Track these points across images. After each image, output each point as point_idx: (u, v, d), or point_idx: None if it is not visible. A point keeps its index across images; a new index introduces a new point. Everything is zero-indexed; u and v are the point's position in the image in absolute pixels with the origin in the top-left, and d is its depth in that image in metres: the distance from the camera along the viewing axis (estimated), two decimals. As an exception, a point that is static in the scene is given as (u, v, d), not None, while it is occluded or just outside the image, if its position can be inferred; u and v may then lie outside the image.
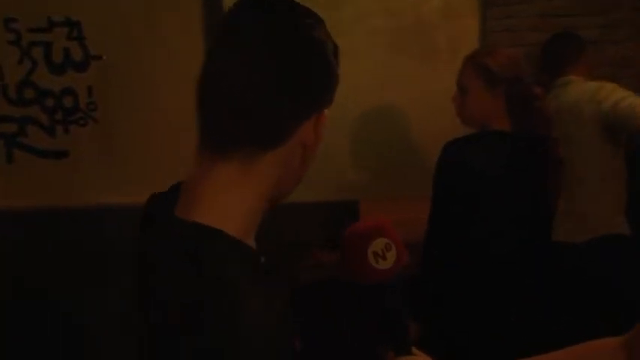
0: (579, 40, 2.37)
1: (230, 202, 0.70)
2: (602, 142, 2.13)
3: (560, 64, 2.32)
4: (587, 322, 1.89)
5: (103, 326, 2.25)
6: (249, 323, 0.60)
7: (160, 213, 0.73)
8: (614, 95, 2.06)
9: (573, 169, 2.11)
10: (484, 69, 1.83)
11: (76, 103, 2.54)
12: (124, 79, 2.53)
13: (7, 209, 2.62)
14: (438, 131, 2.14)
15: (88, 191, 2.56)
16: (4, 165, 2.63)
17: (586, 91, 2.17)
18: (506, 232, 1.81)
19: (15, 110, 2.59)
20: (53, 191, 2.58)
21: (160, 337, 0.63)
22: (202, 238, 0.67)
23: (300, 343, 0.81)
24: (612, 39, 2.52)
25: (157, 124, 2.57)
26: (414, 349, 0.97)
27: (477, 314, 1.81)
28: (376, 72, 2.56)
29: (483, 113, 1.85)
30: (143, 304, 0.70)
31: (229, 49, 0.71)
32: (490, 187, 1.80)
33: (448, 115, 2.01)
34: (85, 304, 2.41)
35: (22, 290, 2.49)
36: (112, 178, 2.56)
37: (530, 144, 1.83)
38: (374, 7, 2.54)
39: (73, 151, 2.59)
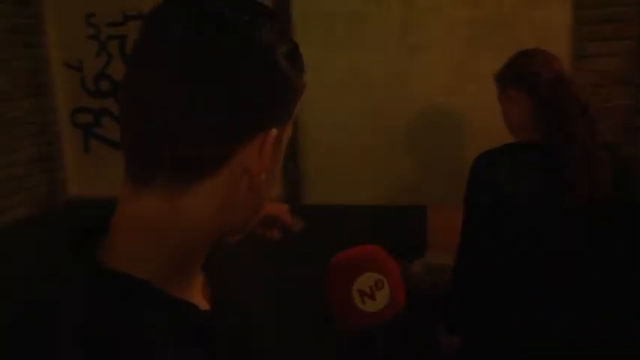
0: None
1: (152, 243, 0.58)
2: None
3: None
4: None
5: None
6: None
7: (76, 253, 0.61)
8: None
9: None
10: (516, 72, 1.63)
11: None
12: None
13: (83, 197, 2.73)
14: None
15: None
16: (81, 154, 2.73)
17: None
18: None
19: (92, 102, 2.68)
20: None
21: None
22: (111, 291, 0.56)
23: None
24: None
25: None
26: None
27: (515, 327, 1.66)
28: (453, 67, 2.35)
29: (513, 120, 1.67)
30: None
31: (147, 56, 0.58)
32: (518, 204, 1.61)
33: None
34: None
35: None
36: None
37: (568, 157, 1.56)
38: (451, -4, 2.32)
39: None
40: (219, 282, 0.72)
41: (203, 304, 0.64)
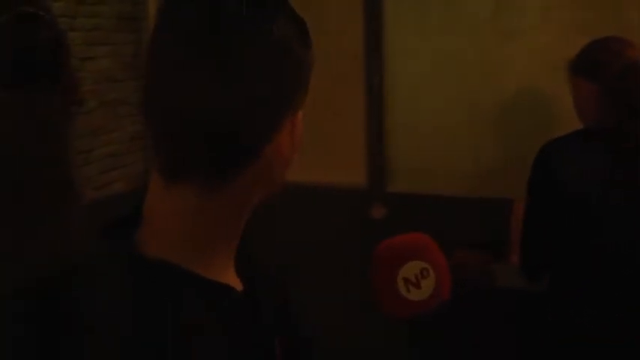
0: None
1: (187, 231, 0.60)
2: None
3: None
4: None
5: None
6: None
7: (115, 242, 0.62)
8: None
9: None
10: (580, 59, 1.63)
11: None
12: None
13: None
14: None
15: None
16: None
17: None
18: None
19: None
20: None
21: None
22: (155, 276, 0.58)
23: None
24: None
25: (313, 104, 2.55)
26: None
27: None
28: (550, 54, 2.22)
29: (582, 109, 1.65)
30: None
31: (171, 53, 0.58)
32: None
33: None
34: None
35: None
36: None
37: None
38: (550, -23, 2.20)
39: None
40: (253, 262, 0.73)
41: (238, 285, 0.66)
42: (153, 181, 0.61)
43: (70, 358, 0.54)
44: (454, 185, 2.42)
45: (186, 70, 0.56)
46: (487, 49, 2.31)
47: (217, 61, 0.56)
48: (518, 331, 1.79)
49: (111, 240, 0.61)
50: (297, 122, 0.63)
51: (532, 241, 1.67)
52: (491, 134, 2.35)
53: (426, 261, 0.81)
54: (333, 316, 2.48)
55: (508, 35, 2.27)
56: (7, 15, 1.69)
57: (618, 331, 1.52)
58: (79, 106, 1.86)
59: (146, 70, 0.60)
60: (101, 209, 2.51)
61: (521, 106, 2.30)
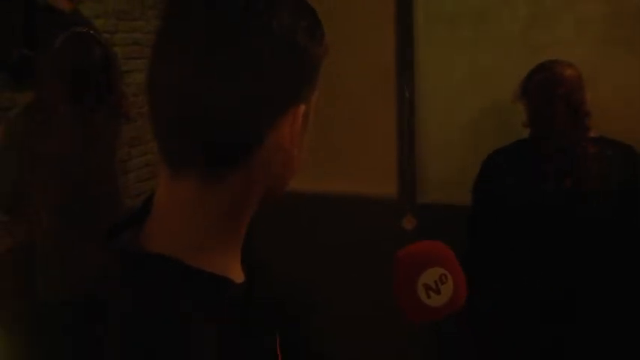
0: None
1: (189, 224, 0.60)
2: None
3: None
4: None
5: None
6: None
7: (121, 239, 0.64)
8: None
9: None
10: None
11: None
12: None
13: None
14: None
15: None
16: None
17: None
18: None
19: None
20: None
21: None
22: (155, 271, 0.58)
23: None
24: None
25: (345, 117, 2.58)
26: None
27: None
28: (586, 67, 2.21)
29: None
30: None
31: (173, 45, 0.59)
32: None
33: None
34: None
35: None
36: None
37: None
38: (584, -9, 2.20)
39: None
40: (255, 258, 0.73)
41: (240, 277, 0.65)
42: (161, 174, 0.62)
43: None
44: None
45: (182, 63, 0.57)
46: (519, 63, 2.31)
47: (212, 53, 0.56)
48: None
49: (115, 237, 0.62)
50: (297, 117, 0.61)
51: (474, 239, 1.92)
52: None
53: (444, 267, 0.83)
54: (363, 325, 2.49)
55: (539, 49, 2.27)
56: (63, 35, 1.77)
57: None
58: (127, 120, 1.93)
59: (149, 63, 0.61)
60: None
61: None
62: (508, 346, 1.84)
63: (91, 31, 1.88)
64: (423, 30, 2.43)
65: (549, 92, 1.75)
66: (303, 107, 0.61)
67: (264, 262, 0.75)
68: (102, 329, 0.57)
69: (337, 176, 2.54)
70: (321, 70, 0.64)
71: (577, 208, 1.72)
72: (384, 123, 2.49)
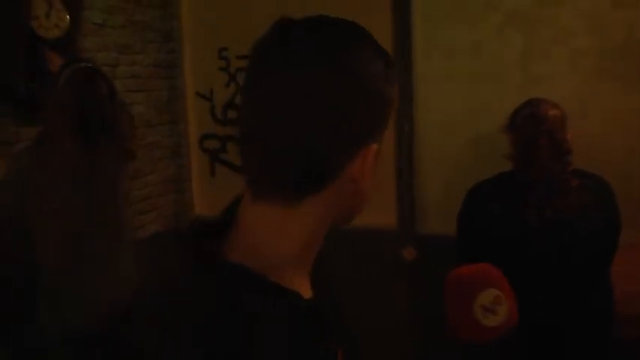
0: None
1: (267, 243, 0.67)
2: None
3: None
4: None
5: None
6: None
7: (201, 247, 0.70)
8: None
9: None
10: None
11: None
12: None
13: (207, 217, 2.91)
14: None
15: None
16: (208, 177, 2.93)
17: None
18: None
19: (220, 129, 2.87)
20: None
21: None
22: (239, 284, 0.64)
23: None
24: None
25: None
26: None
27: None
28: (578, 99, 2.28)
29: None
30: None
31: (262, 87, 0.65)
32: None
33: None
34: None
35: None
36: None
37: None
38: (577, 25, 2.27)
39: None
40: (323, 277, 0.79)
41: (308, 293, 0.71)
42: (245, 193, 0.69)
43: None
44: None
45: (265, 101, 0.64)
46: (515, 95, 2.36)
47: (293, 94, 0.63)
48: None
49: (198, 248, 0.68)
50: (370, 153, 0.67)
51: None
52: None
53: (499, 289, 0.85)
54: (364, 354, 2.48)
55: (534, 81, 2.33)
56: (69, 70, 1.78)
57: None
58: (132, 156, 1.94)
59: (243, 92, 0.68)
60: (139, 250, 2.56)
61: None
62: None
63: (97, 67, 1.90)
64: (421, 63, 2.48)
65: (534, 127, 1.82)
66: (375, 146, 0.67)
67: (330, 282, 0.81)
68: None
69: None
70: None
71: (557, 236, 1.77)
72: (384, 155, 2.51)
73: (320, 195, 0.66)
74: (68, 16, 2.17)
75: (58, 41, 2.12)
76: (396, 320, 2.49)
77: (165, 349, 0.64)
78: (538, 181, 1.80)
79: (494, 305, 0.84)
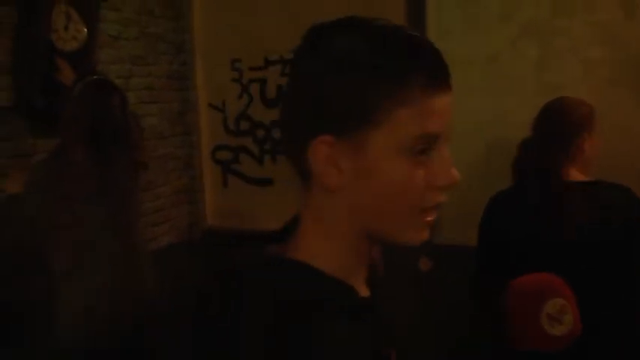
0: None
1: (318, 236, 0.69)
2: None
3: None
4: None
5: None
6: None
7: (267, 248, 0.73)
8: None
9: None
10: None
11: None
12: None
13: (218, 228, 2.91)
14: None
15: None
16: (220, 188, 2.93)
17: None
18: None
19: (232, 140, 2.88)
20: (257, 216, 2.78)
21: None
22: (297, 273, 0.67)
23: None
24: None
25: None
26: None
27: None
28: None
29: None
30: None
31: (297, 69, 0.69)
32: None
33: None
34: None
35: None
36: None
37: None
38: (590, 36, 2.27)
39: (278, 180, 2.77)
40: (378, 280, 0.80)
41: (365, 292, 0.72)
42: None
43: None
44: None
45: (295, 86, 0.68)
46: (527, 106, 2.37)
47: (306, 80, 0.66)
48: None
49: (266, 246, 0.72)
50: (320, 143, 0.64)
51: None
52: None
53: (564, 298, 0.84)
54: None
55: (548, 92, 2.33)
56: (82, 83, 1.80)
57: None
58: (144, 167, 1.94)
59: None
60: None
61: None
62: None
63: (109, 79, 1.92)
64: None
65: (559, 119, 1.81)
66: (327, 137, 0.63)
67: (384, 287, 0.81)
68: None
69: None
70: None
71: (582, 243, 1.75)
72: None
73: (313, 190, 0.67)
74: (85, 29, 2.19)
75: (76, 53, 2.14)
76: (411, 330, 2.48)
77: (237, 342, 0.65)
78: (552, 190, 1.78)
79: (560, 314, 0.84)
